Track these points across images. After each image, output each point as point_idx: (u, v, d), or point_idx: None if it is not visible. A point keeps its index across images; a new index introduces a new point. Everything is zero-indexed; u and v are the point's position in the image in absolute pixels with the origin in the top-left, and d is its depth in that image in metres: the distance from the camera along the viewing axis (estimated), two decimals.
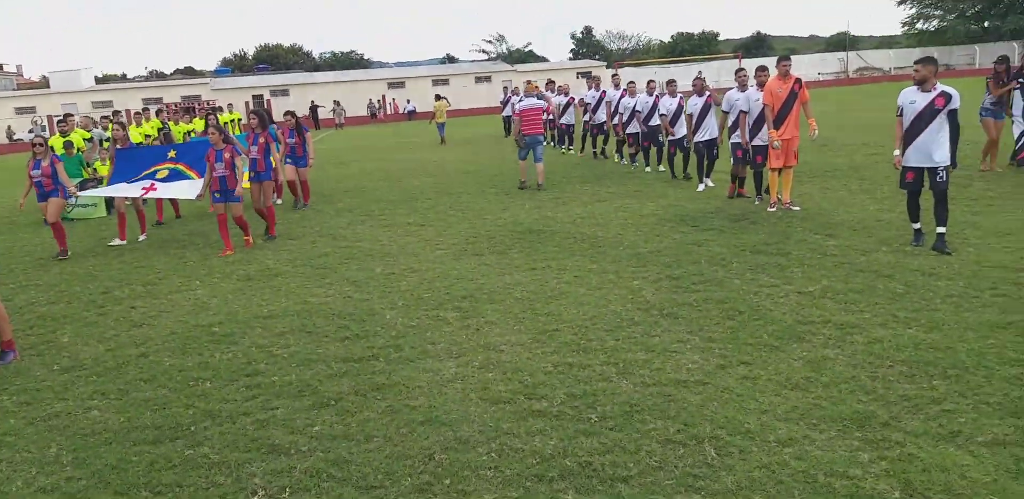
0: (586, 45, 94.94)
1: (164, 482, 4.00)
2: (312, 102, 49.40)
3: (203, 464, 4.17)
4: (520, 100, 14.22)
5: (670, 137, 13.44)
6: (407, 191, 14.71)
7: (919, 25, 70.38)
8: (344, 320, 6.56)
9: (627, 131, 15.52)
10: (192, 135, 18.19)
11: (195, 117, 21.51)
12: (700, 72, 16.13)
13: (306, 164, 13.28)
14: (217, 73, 72.91)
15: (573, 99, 19.75)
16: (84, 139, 14.61)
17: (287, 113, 13.57)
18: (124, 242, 11.03)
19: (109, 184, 11.43)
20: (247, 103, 47.31)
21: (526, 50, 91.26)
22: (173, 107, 26.52)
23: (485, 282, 7.48)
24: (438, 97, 29.65)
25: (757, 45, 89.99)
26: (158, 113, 20.16)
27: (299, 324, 6.55)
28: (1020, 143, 11.95)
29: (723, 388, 4.66)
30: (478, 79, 62.66)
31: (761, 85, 10.09)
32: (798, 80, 9.84)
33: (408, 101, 55.85)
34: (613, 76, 17.88)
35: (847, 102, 31.93)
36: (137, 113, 18.37)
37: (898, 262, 7.14)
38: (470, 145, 25.45)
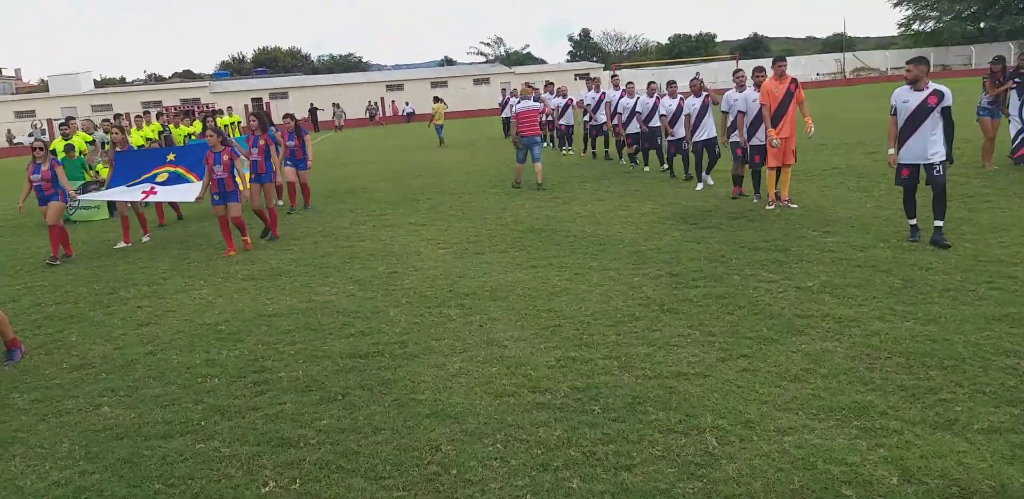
0: (584, 47, 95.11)
1: (176, 475, 4.08)
2: (311, 105, 49.52)
3: (214, 457, 4.25)
4: (518, 102, 14.32)
5: (669, 138, 13.54)
6: (408, 192, 14.79)
7: (915, 26, 70.55)
8: (349, 318, 6.64)
9: (627, 131, 15.62)
10: (192, 138, 18.29)
11: (195, 120, 21.61)
12: (698, 73, 16.19)
13: (305, 166, 13.36)
14: (216, 76, 73.00)
15: (571, 100, 19.86)
16: (86, 142, 14.72)
17: (286, 116, 13.65)
18: (128, 245, 11.11)
19: (108, 187, 11.52)
20: (246, 106, 47.40)
21: (524, 52, 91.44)
22: (172, 110, 26.60)
23: (487, 280, 7.56)
24: (436, 99, 29.76)
25: (754, 46, 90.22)
26: (158, 116, 20.26)
27: (304, 322, 6.63)
28: (1017, 141, 12.06)
29: (724, 380, 4.75)
30: (476, 81, 62.79)
31: (758, 86, 10.18)
32: (794, 80, 9.95)
33: (407, 103, 55.97)
34: (613, 77, 17.94)
35: (844, 102, 32.03)
36: (138, 116, 18.49)
37: (895, 257, 7.23)
38: (470, 147, 25.54)
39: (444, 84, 61.25)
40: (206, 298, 7.75)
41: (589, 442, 4.07)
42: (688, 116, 12.58)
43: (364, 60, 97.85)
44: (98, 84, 68.72)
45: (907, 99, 7.66)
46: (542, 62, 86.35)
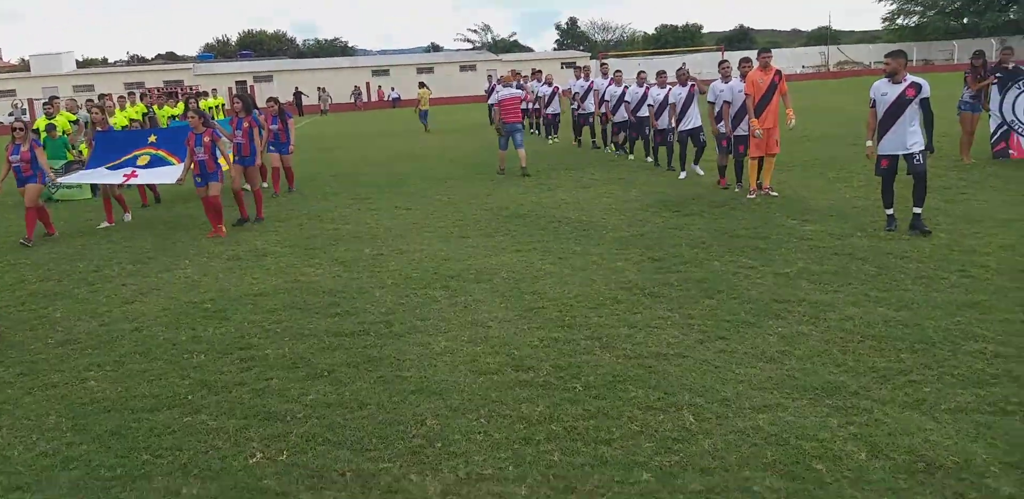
0: (571, 36, 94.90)
1: (164, 446, 4.15)
2: (296, 89, 49.18)
3: (201, 430, 4.32)
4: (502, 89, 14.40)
5: (655, 128, 13.62)
6: (393, 176, 14.82)
7: (899, 21, 71.05)
8: (334, 298, 6.71)
9: (614, 120, 15.70)
10: (176, 120, 18.20)
11: (179, 101, 21.48)
12: (684, 63, 16.26)
13: (288, 151, 13.22)
14: (200, 59, 72.25)
15: (558, 88, 19.90)
16: (70, 121, 14.60)
17: (270, 99, 13.52)
18: (112, 225, 11.08)
19: (88, 167, 11.45)
20: (230, 89, 46.92)
21: (511, 40, 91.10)
22: (156, 92, 26.36)
23: (472, 263, 7.65)
24: (421, 85, 29.72)
25: (740, 38, 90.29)
26: (142, 97, 20.14)
27: (290, 301, 6.69)
28: (996, 136, 12.26)
29: (702, 360, 4.87)
30: (463, 68, 62.59)
31: (745, 76, 10.28)
32: (778, 72, 10.07)
33: (392, 89, 55.71)
34: (602, 65, 17.93)
35: (827, 95, 32.27)
36: (121, 97, 18.34)
37: (871, 246, 7.38)
38: (455, 133, 25.54)
39: (431, 70, 60.99)
40: (191, 277, 7.79)
41: (570, 418, 4.18)
42: (673, 105, 12.67)
43: (350, 45, 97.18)
44: (80, 64, 67.88)
45: (886, 91, 7.82)
46: (528, 50, 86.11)
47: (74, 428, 4.46)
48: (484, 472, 3.70)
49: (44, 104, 14.69)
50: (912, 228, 7.75)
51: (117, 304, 6.96)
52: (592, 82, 17.38)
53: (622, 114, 15.23)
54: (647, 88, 14.11)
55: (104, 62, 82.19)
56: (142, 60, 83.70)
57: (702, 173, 12.48)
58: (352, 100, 53.29)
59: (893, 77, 7.78)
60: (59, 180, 11.57)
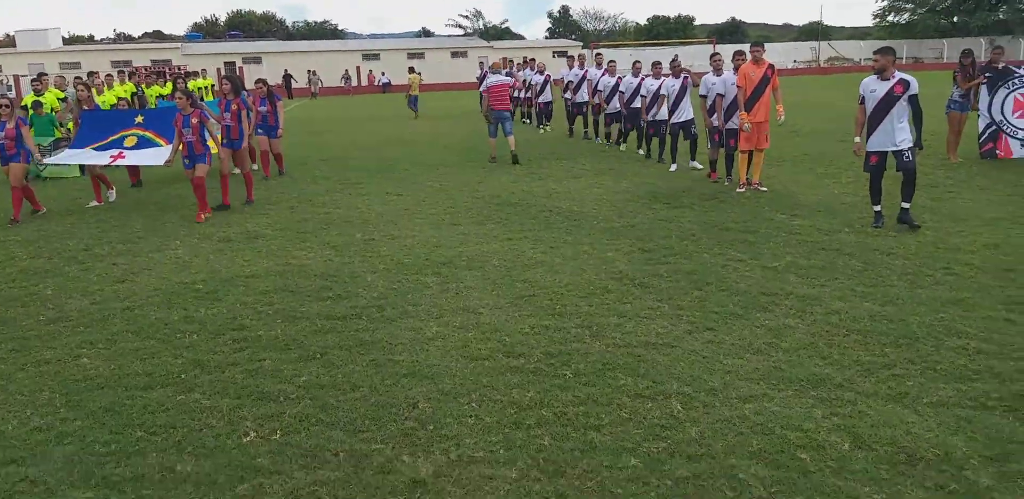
0: (563, 24, 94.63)
1: (158, 423, 4.19)
2: (285, 71, 48.81)
3: (195, 408, 4.36)
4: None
5: (646, 119, 13.65)
6: (384, 161, 14.80)
7: (890, 18, 71.36)
8: (326, 281, 6.74)
9: (607, 111, 15.71)
10: (164, 99, 18.06)
11: (168, 81, 21.32)
12: (676, 56, 16.28)
13: (276, 134, 13.10)
14: (188, 38, 71.49)
15: (549, 77, 19.86)
16: (58, 99, 14.48)
17: (258, 81, 13.39)
18: (100, 204, 11.03)
19: (73, 147, 11.33)
20: (219, 70, 46.56)
21: (503, 27, 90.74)
22: (144, 71, 26.06)
23: (464, 250, 7.69)
24: (411, 70, 29.59)
25: (731, 31, 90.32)
26: (131, 76, 19.96)
27: (282, 284, 6.72)
28: (984, 136, 12.38)
29: (690, 351, 4.95)
30: (454, 54, 62.29)
31: (738, 69, 10.32)
32: (771, 66, 10.14)
33: (383, 73, 55.41)
34: (597, 55, 17.88)
35: (818, 90, 32.41)
36: (108, 75, 18.18)
37: (859, 242, 7.49)
38: (447, 119, 25.49)
39: (421, 55, 60.66)
40: (182, 258, 7.79)
41: (560, 403, 4.25)
42: (665, 97, 12.67)
43: (340, 28, 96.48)
44: (67, 41, 67.02)
45: (874, 88, 7.91)
46: (520, 38, 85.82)
47: (68, 404, 4.49)
48: (475, 455, 3.77)
49: (32, 81, 14.55)
50: (900, 221, 7.89)
51: (108, 283, 6.96)
52: (586, 71, 17.34)
53: (615, 105, 15.26)
54: (642, 79, 14.12)
55: (91, 39, 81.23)
56: (129, 38, 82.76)
57: (701, 167, 12.43)
58: (343, 84, 52.96)
59: (882, 74, 7.87)
60: (45, 160, 11.47)
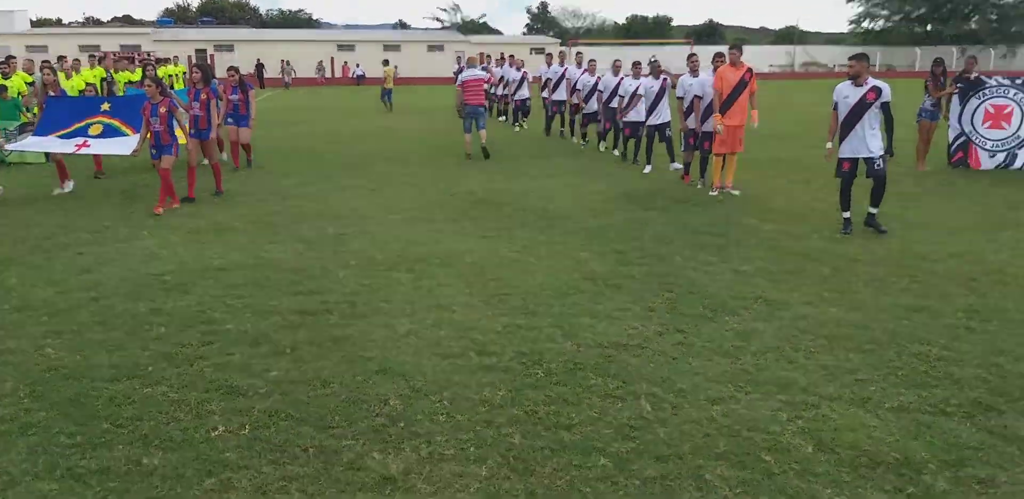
0: (541, 21, 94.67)
1: (124, 416, 4.15)
2: (258, 60, 48.26)
3: (163, 401, 4.32)
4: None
5: (623, 119, 13.68)
6: (357, 156, 14.73)
7: (865, 24, 72.37)
8: (297, 276, 6.70)
9: (585, 111, 15.71)
10: (134, 86, 17.77)
11: (138, 66, 20.97)
12: (653, 56, 16.38)
13: (247, 124, 12.89)
14: (159, 24, 70.35)
15: (526, 73, 19.82)
16: (26, 83, 14.18)
17: (230, 68, 13.16)
18: (66, 190, 10.85)
19: (37, 134, 11.09)
20: (190, 57, 45.93)
21: (480, 21, 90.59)
22: (113, 56, 25.53)
23: (437, 247, 7.69)
24: (386, 62, 29.41)
25: (709, 33, 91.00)
26: (100, 61, 19.60)
27: (252, 277, 6.66)
28: (954, 146, 12.58)
29: (660, 352, 5.00)
30: (431, 48, 62.01)
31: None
32: (749, 69, 10.20)
33: (358, 65, 55.04)
34: (577, 54, 17.83)
35: (792, 95, 32.79)
36: (76, 60, 17.84)
37: (827, 248, 7.60)
38: (422, 114, 25.39)
39: (397, 48, 60.30)
40: (150, 249, 7.70)
41: (531, 402, 4.28)
42: (641, 97, 12.70)
43: (314, 17, 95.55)
44: (34, 24, 65.65)
45: (848, 94, 8.03)
46: (498, 33, 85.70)
47: (32, 395, 4.43)
48: (446, 452, 3.78)
49: (0, 63, 14.23)
50: (867, 225, 8.04)
51: (74, 273, 6.85)
52: (566, 69, 17.25)
53: (593, 105, 15.26)
54: (621, 78, 14.09)
55: (59, 23, 79.67)
56: (98, 22, 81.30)
57: (679, 166, 12.29)
58: (317, 75, 52.52)
59: (856, 80, 7.99)
60: (8, 147, 11.24)
